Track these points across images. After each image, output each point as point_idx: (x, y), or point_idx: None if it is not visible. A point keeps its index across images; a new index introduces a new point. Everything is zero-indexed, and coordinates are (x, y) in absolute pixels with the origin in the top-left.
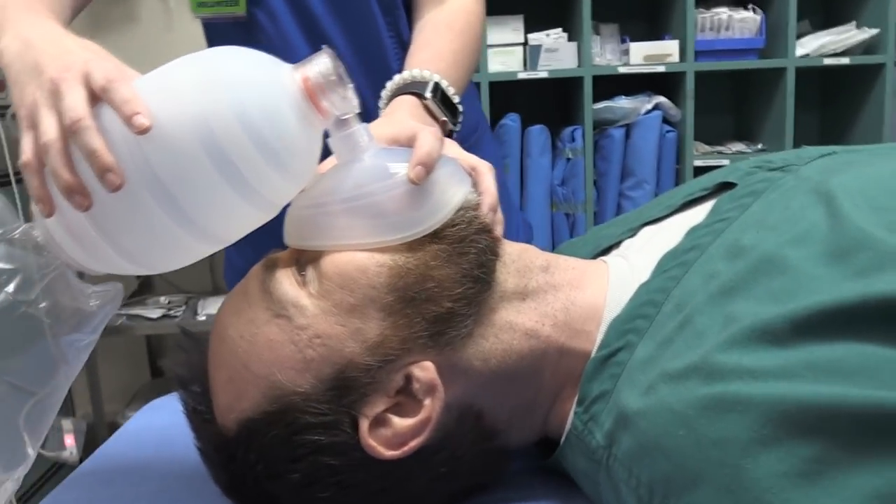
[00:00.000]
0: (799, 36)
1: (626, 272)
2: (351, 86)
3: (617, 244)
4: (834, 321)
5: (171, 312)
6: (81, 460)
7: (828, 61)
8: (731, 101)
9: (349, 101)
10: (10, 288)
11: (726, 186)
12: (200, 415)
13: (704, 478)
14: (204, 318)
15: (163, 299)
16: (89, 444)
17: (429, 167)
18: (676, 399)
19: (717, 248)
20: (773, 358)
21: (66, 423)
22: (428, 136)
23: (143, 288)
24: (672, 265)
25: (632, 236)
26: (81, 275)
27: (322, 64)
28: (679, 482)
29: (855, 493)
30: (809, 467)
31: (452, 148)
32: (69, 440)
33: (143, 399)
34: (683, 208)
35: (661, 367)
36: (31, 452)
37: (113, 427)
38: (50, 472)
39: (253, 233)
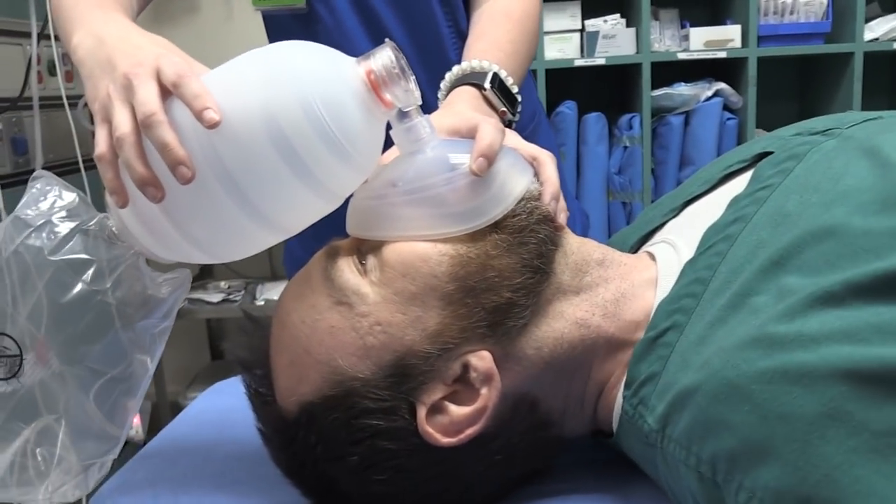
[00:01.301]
0: (867, 19)
1: (673, 258)
2: (413, 78)
3: (661, 226)
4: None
5: (231, 297)
6: (146, 440)
7: None
8: (795, 88)
9: (411, 93)
10: (87, 277)
11: (766, 156)
12: (262, 397)
13: (771, 453)
14: (262, 302)
15: (223, 284)
16: (153, 424)
17: (490, 159)
18: (736, 373)
19: (760, 217)
20: (836, 319)
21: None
22: (489, 127)
23: (204, 273)
24: (716, 240)
25: (675, 216)
26: (148, 263)
27: (385, 57)
28: (744, 458)
29: None
30: (881, 441)
31: (513, 138)
32: (135, 419)
33: (204, 381)
34: (723, 181)
35: (717, 344)
36: (119, 437)
37: (175, 408)
38: None
39: (315, 223)
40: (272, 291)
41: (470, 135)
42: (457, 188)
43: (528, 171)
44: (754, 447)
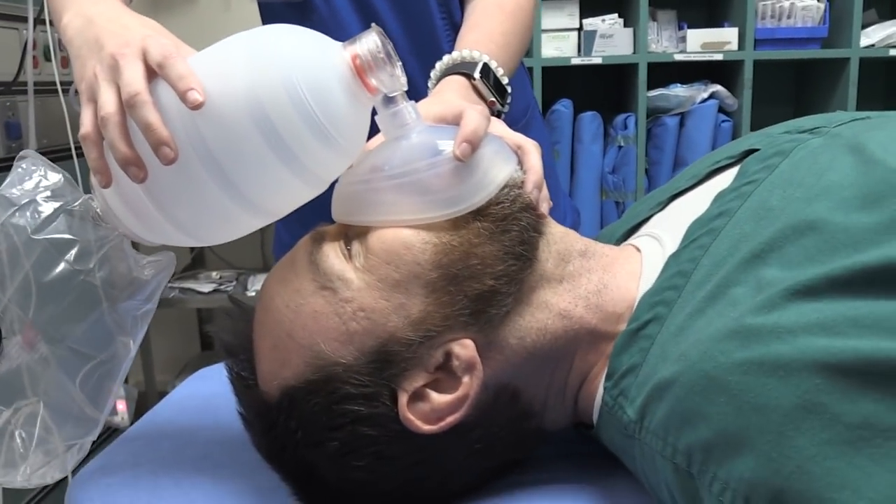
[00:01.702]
0: (864, 25)
1: (657, 251)
2: (399, 64)
3: (647, 220)
4: (875, 279)
5: (222, 287)
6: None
7: (894, 52)
8: (790, 92)
9: (397, 78)
10: (70, 257)
11: (753, 152)
12: (244, 381)
13: (745, 444)
14: (253, 293)
15: (214, 274)
16: (139, 413)
17: (474, 144)
18: (713, 365)
19: (744, 211)
20: (811, 311)
21: (118, 390)
22: (474, 114)
23: (196, 262)
24: (700, 233)
25: (661, 210)
26: (136, 246)
27: (371, 42)
28: (719, 449)
29: None
30: (854, 434)
31: (499, 126)
32: (120, 405)
33: (193, 370)
34: (710, 177)
35: (695, 336)
36: (99, 419)
37: (163, 397)
38: (102, 437)
39: (301, 209)
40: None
41: (455, 121)
42: (440, 173)
43: (512, 159)
44: (729, 438)
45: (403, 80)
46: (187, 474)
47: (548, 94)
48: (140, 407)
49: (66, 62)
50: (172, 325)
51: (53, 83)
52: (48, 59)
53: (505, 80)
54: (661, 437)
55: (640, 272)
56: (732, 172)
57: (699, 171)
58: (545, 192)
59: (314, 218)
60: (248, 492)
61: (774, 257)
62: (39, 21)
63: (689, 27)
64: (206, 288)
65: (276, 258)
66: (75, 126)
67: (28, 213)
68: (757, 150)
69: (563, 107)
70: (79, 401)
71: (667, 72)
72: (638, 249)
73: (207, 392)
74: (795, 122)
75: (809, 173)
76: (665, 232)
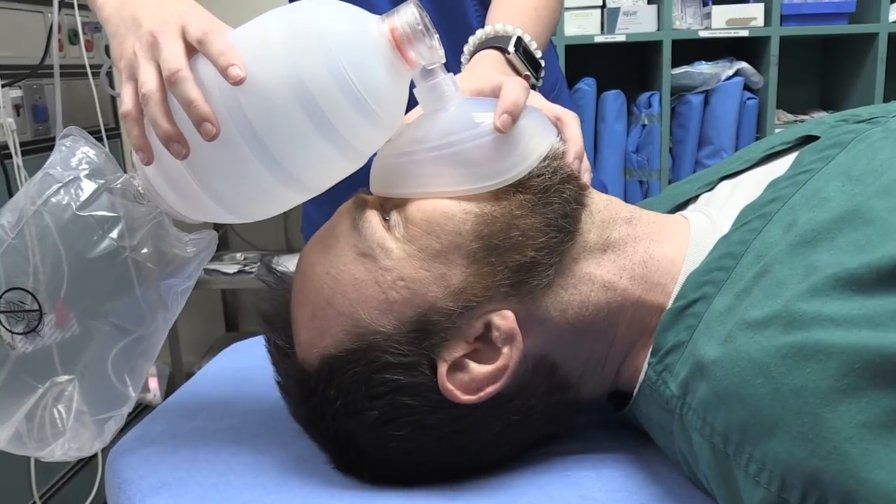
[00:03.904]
0: (893, 0)
1: (707, 226)
2: (437, 36)
3: (694, 199)
4: None
5: (247, 268)
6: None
7: None
8: (817, 68)
9: (435, 50)
10: (114, 234)
11: (809, 140)
12: (282, 350)
13: (782, 426)
14: None
15: (239, 255)
16: (168, 392)
17: (514, 116)
18: (755, 347)
19: (798, 198)
20: (857, 307)
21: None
22: (513, 85)
23: (221, 244)
24: (752, 217)
25: (709, 190)
26: (175, 223)
27: (409, 14)
28: (755, 430)
29: None
30: (891, 418)
31: (536, 99)
32: (153, 383)
33: (219, 351)
34: (764, 162)
35: (739, 316)
36: (132, 393)
37: (190, 377)
38: (134, 413)
39: (331, 189)
40: (288, 264)
41: (493, 94)
42: (481, 145)
43: (551, 131)
44: (766, 420)
45: (441, 52)
46: (225, 444)
47: (571, 73)
48: (168, 388)
49: (90, 45)
50: (198, 307)
51: (79, 66)
52: (73, 42)
53: (538, 54)
54: (701, 416)
55: (687, 243)
56: (787, 159)
57: (753, 156)
58: (586, 162)
59: (345, 196)
60: (286, 461)
61: (825, 245)
62: (65, 4)
63: (713, 3)
64: (231, 269)
65: (304, 237)
66: (104, 108)
67: (72, 191)
68: (813, 136)
69: (587, 85)
70: (116, 375)
71: (691, 49)
72: (685, 219)
73: (240, 366)
74: (851, 111)
75: (869, 169)
76: (714, 210)
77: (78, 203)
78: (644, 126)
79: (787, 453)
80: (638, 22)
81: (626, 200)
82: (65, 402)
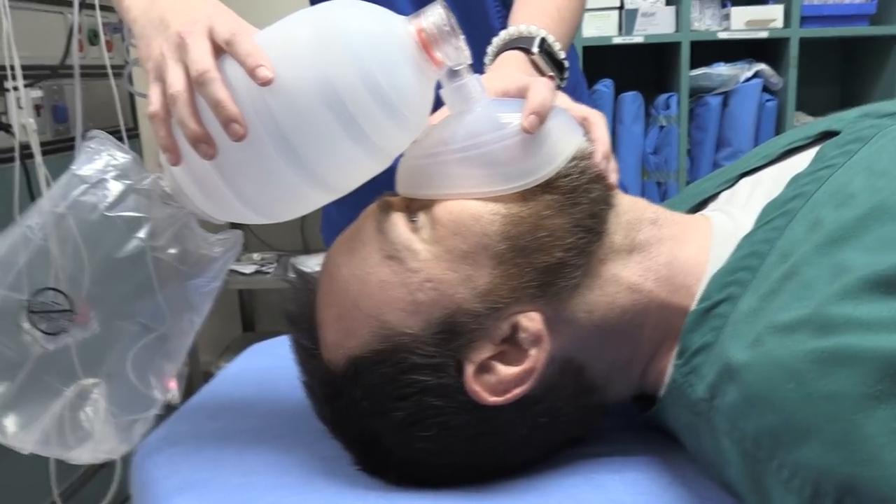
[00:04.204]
0: None
1: (729, 226)
2: (463, 37)
3: (714, 197)
4: None
5: (264, 269)
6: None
7: None
8: (837, 70)
9: (462, 51)
10: (142, 234)
11: (829, 135)
12: (308, 350)
13: (814, 432)
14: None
15: (256, 256)
16: (186, 392)
17: (542, 116)
18: (786, 352)
19: (822, 195)
20: (888, 309)
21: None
22: (540, 86)
23: None
24: (775, 215)
25: (729, 188)
26: (201, 224)
27: (436, 15)
28: (787, 436)
29: None
30: None
31: (562, 99)
32: (172, 383)
33: (236, 351)
34: (783, 157)
35: (769, 320)
36: (159, 396)
37: (207, 377)
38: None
39: (355, 189)
40: (305, 264)
41: (519, 95)
42: (508, 146)
43: (578, 131)
44: (797, 426)
45: (468, 52)
46: (249, 444)
47: (588, 75)
48: (186, 387)
49: (110, 46)
50: (215, 307)
51: (99, 66)
52: (93, 43)
53: (562, 55)
54: (730, 420)
55: (709, 243)
56: (807, 154)
57: (772, 151)
58: (613, 162)
59: (367, 198)
60: (310, 461)
61: (852, 243)
62: (85, 5)
63: (732, 4)
64: (248, 269)
65: (325, 237)
66: (124, 109)
67: (99, 192)
68: (833, 131)
69: (604, 87)
70: (143, 377)
71: (710, 50)
72: (707, 219)
73: (261, 366)
74: (873, 106)
75: (893, 163)
76: (735, 208)
77: (105, 204)
78: (662, 128)
79: (820, 459)
80: (656, 23)
81: None
82: (92, 404)
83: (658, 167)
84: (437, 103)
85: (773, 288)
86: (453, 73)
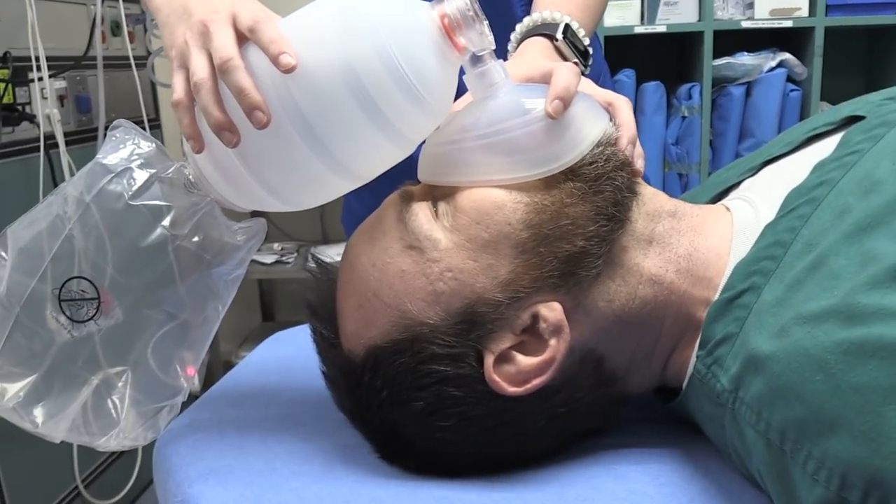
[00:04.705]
0: None
1: (751, 215)
2: (486, 22)
3: (737, 185)
4: None
5: (284, 259)
6: (202, 393)
7: None
8: (863, 60)
9: (485, 37)
10: (166, 223)
11: (853, 120)
12: (328, 340)
13: (842, 424)
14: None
15: (276, 246)
16: (206, 381)
17: (566, 101)
18: (813, 343)
19: (847, 182)
20: None
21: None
22: (565, 71)
23: None
24: (799, 203)
25: (752, 175)
26: (225, 212)
27: (459, 0)
28: (814, 427)
29: None
30: None
31: (587, 85)
32: (192, 371)
33: (255, 341)
34: (807, 144)
35: (795, 310)
36: (185, 384)
37: (228, 366)
38: None
39: (375, 178)
40: (325, 253)
41: (543, 80)
42: (532, 132)
43: (604, 116)
44: (825, 417)
45: (491, 38)
46: (271, 432)
47: (610, 64)
48: (206, 377)
49: (133, 37)
50: (235, 296)
51: (121, 58)
52: (116, 34)
53: (586, 42)
54: (756, 411)
55: (731, 234)
56: (831, 140)
57: (795, 138)
58: (639, 148)
59: (387, 187)
60: (332, 450)
61: (881, 231)
62: None
63: None
64: (268, 259)
65: (345, 227)
66: (146, 99)
67: (124, 181)
68: (858, 116)
69: (626, 77)
70: (168, 366)
71: (733, 40)
72: (727, 210)
73: (282, 355)
74: None
75: None
76: (757, 196)
77: (130, 193)
78: (684, 118)
79: (848, 452)
80: (679, 12)
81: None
82: (118, 392)
83: (680, 158)
84: (461, 90)
85: (799, 278)
86: (476, 59)
